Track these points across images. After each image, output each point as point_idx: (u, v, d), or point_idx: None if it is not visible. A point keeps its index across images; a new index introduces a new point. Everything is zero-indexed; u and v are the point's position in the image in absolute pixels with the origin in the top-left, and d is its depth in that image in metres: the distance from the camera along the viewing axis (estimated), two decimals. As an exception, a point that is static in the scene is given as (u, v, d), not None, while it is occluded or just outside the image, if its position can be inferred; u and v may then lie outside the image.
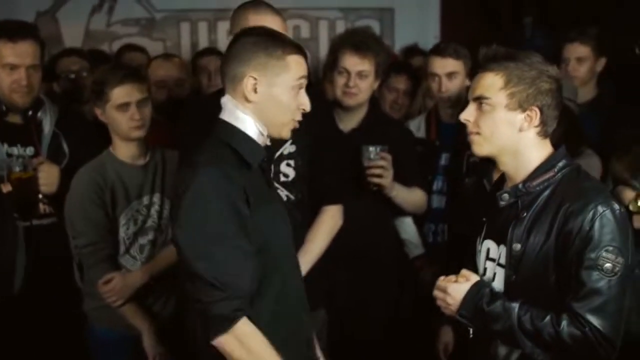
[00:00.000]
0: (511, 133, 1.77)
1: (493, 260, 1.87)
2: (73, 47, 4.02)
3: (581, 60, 3.19)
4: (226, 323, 1.67)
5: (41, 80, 2.67)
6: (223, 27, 4.56)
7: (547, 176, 1.78)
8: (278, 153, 2.37)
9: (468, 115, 1.82)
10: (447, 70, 2.85)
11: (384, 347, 2.82)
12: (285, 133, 1.87)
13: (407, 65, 3.75)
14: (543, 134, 1.79)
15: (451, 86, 2.86)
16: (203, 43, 4.66)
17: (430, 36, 4.84)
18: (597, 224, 1.68)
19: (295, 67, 1.79)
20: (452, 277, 1.85)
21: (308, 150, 2.40)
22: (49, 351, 2.59)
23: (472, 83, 1.84)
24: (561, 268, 1.73)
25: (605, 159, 2.71)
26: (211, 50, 3.91)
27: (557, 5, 4.73)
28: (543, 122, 1.77)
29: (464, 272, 1.86)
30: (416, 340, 2.88)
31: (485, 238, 1.92)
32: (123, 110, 2.43)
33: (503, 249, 1.83)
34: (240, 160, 1.77)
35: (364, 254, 2.75)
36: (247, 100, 1.78)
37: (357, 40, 2.75)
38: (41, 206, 2.61)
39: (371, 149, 2.62)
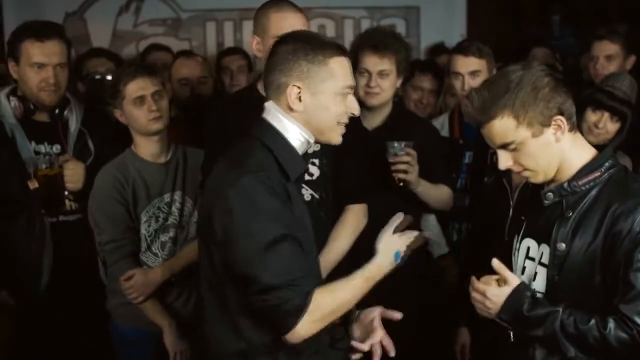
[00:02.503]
0: (552, 151, 1.75)
1: (532, 259, 1.85)
2: (101, 48, 4.06)
3: (610, 58, 3.14)
4: (299, 313, 1.62)
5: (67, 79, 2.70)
6: (248, 27, 4.48)
7: (593, 176, 1.75)
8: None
9: (505, 163, 1.78)
10: (471, 69, 2.83)
11: (407, 345, 2.80)
12: (335, 138, 1.82)
13: (432, 64, 3.72)
14: (573, 128, 1.76)
15: (474, 84, 2.81)
16: (229, 42, 4.68)
17: (456, 34, 4.79)
18: None
19: (340, 72, 1.75)
20: (491, 279, 1.80)
21: (332, 149, 2.39)
22: (74, 348, 2.62)
23: (487, 136, 1.78)
24: (608, 269, 1.70)
25: (635, 160, 2.66)
26: (234, 50, 3.94)
27: (585, 3, 4.66)
28: (569, 119, 1.75)
29: (504, 272, 1.79)
30: (437, 340, 2.85)
31: (524, 237, 1.89)
32: (139, 104, 2.46)
33: (545, 248, 1.80)
34: (281, 170, 1.73)
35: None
36: (291, 109, 1.74)
37: (375, 39, 2.74)
38: (67, 203, 2.65)
39: (396, 144, 2.60)
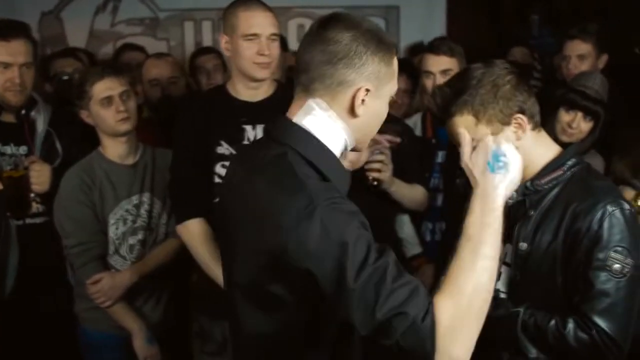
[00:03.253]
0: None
1: None
2: (70, 48, 4.03)
3: (582, 57, 3.14)
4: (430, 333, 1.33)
5: (34, 79, 2.66)
6: (227, 26, 4.55)
7: (555, 174, 1.74)
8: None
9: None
10: (442, 68, 2.81)
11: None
12: (367, 146, 1.65)
13: (407, 64, 3.69)
14: (535, 126, 1.75)
15: None
16: (207, 42, 4.66)
17: (436, 34, 4.74)
18: (606, 224, 1.64)
19: (396, 73, 1.54)
20: None
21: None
22: (41, 352, 2.57)
23: (448, 132, 1.77)
24: (568, 268, 1.69)
25: (607, 159, 2.66)
26: (208, 49, 3.91)
27: (564, 3, 4.68)
28: (530, 117, 1.73)
29: None
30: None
31: None
32: (107, 105, 2.42)
33: (509, 248, 1.79)
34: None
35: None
36: (352, 113, 1.45)
37: None
38: (34, 205, 2.60)
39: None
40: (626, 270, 1.64)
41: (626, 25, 3.58)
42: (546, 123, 2.70)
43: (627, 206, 1.68)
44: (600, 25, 3.18)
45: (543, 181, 1.75)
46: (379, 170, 2.58)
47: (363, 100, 1.44)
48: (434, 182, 2.89)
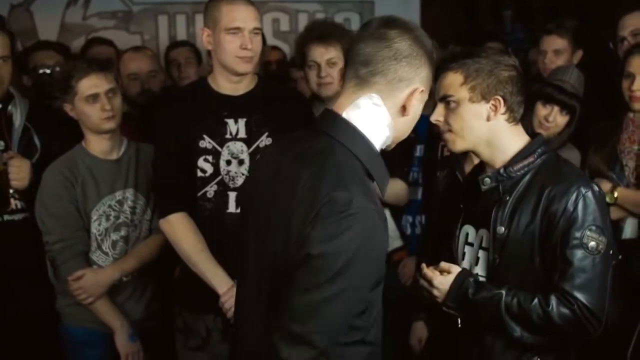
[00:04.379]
0: (479, 124, 1.83)
1: (471, 244, 1.91)
2: (49, 41, 3.93)
3: (558, 52, 3.19)
4: None
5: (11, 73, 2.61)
6: (201, 20, 4.47)
7: (527, 161, 1.83)
8: (254, 146, 2.34)
9: (437, 116, 1.86)
10: None
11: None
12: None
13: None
14: (512, 120, 1.85)
15: None
16: (181, 36, 4.62)
17: (410, 29, 4.83)
18: (580, 205, 1.74)
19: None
20: (436, 271, 1.87)
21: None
22: (22, 350, 2.54)
23: (436, 85, 1.83)
24: (546, 249, 1.77)
25: (583, 152, 2.72)
26: (182, 43, 3.90)
27: (536, -1, 4.75)
28: (509, 109, 1.83)
29: (444, 264, 1.87)
30: (392, 333, 2.86)
31: (463, 224, 1.95)
32: (92, 102, 2.39)
33: (484, 232, 1.86)
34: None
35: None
36: (403, 112, 1.51)
37: (318, 31, 2.77)
38: (12, 201, 2.55)
39: None
40: (600, 247, 1.74)
41: (598, 21, 3.65)
42: (524, 117, 2.77)
43: (597, 188, 1.79)
44: (577, 21, 3.23)
45: (516, 167, 1.83)
46: None
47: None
48: (414, 175, 2.92)
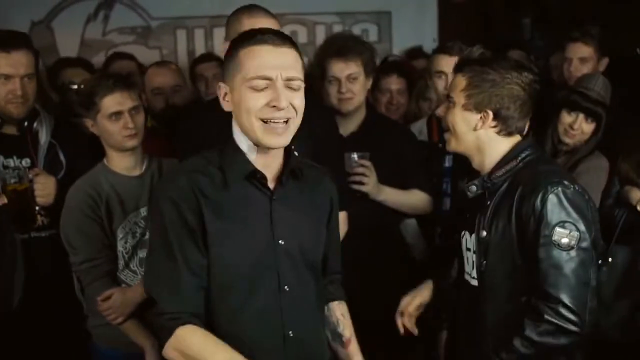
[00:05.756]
0: (467, 130, 1.91)
1: (470, 250, 1.96)
2: (77, 58, 4.00)
3: (584, 60, 3.17)
4: (166, 333, 1.65)
5: (36, 89, 2.62)
6: (219, 34, 4.53)
7: (509, 166, 1.88)
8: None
9: (440, 110, 2.01)
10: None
11: (388, 351, 2.77)
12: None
13: (394, 64, 3.72)
14: (505, 133, 1.90)
15: None
16: (200, 50, 4.64)
17: (428, 39, 4.83)
18: (548, 203, 1.76)
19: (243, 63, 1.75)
20: None
21: (310, 157, 2.36)
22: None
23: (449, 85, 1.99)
24: (523, 249, 1.80)
25: (612, 160, 2.68)
26: (209, 57, 3.87)
27: (555, 6, 4.71)
28: (502, 123, 1.87)
29: None
30: (419, 344, 2.83)
31: (465, 231, 2.01)
32: (115, 120, 2.37)
33: (474, 237, 1.93)
34: None
35: (370, 260, 2.70)
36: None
37: (338, 45, 2.76)
38: (39, 218, 2.56)
39: (352, 156, 2.62)
40: (572, 242, 1.75)
41: (619, 28, 3.62)
42: (549, 124, 2.75)
43: (570, 184, 1.80)
44: (601, 28, 3.21)
45: (499, 173, 1.88)
46: (361, 183, 2.60)
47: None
48: (444, 186, 2.88)
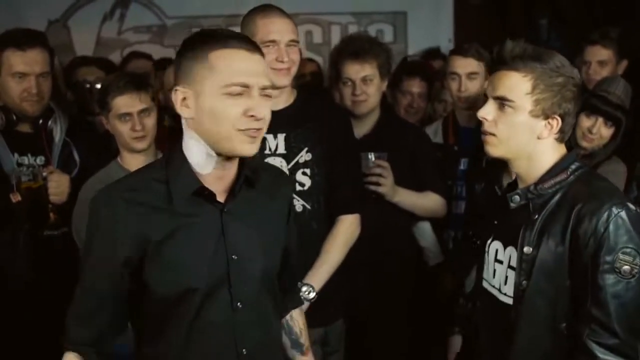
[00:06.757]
0: (529, 139, 1.72)
1: (501, 262, 1.81)
2: (92, 56, 4.01)
3: (603, 63, 3.12)
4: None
5: (51, 88, 2.63)
6: (235, 33, 4.53)
7: (559, 178, 1.72)
8: (294, 161, 2.32)
9: (487, 113, 1.73)
10: (468, 70, 2.81)
11: (402, 355, 2.76)
12: None
13: (419, 67, 3.67)
14: (560, 139, 1.75)
15: (471, 86, 2.81)
16: (215, 49, 4.62)
17: (444, 39, 4.79)
18: (612, 226, 1.62)
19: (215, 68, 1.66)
20: None
21: (324, 159, 2.34)
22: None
23: (493, 80, 1.73)
24: (576, 272, 1.66)
25: (630, 165, 2.64)
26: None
27: (572, 7, 4.66)
28: (562, 130, 1.72)
29: None
30: (433, 347, 2.81)
31: (493, 240, 1.86)
32: (124, 121, 2.37)
33: (512, 251, 1.76)
34: None
35: (383, 262, 2.69)
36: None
37: (354, 47, 2.72)
38: (52, 216, 2.56)
39: (369, 156, 2.59)
40: (635, 271, 1.61)
41: (636, 29, 3.57)
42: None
43: (632, 207, 1.67)
44: (621, 30, 3.16)
45: (547, 185, 1.72)
46: (377, 184, 2.58)
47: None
48: (458, 190, 2.85)
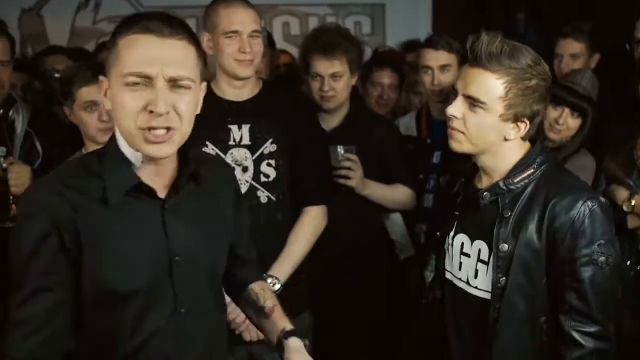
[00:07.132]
0: (497, 139, 1.73)
1: (468, 255, 1.81)
2: (60, 46, 3.95)
3: (575, 56, 3.11)
4: None
5: (11, 77, 2.59)
6: (211, 24, 4.49)
7: (527, 173, 1.74)
8: (259, 153, 2.29)
9: (457, 111, 1.72)
10: (441, 63, 2.78)
11: (370, 348, 2.75)
12: None
13: (390, 58, 3.65)
14: (526, 138, 1.77)
15: (444, 79, 2.79)
16: (191, 40, 4.58)
17: (422, 32, 4.76)
18: (587, 220, 1.66)
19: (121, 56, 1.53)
20: None
21: (289, 150, 2.32)
22: None
23: (467, 77, 1.70)
24: (554, 266, 1.70)
25: (598, 158, 2.63)
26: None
27: (549, 1, 4.67)
28: (530, 129, 1.74)
29: None
30: (401, 341, 2.80)
31: (457, 232, 1.85)
32: (90, 111, 2.31)
33: (482, 245, 1.77)
34: None
35: (352, 255, 2.68)
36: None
37: (323, 42, 2.65)
38: (13, 208, 2.51)
39: (338, 149, 2.56)
40: (610, 260, 1.67)
41: (611, 24, 3.57)
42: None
43: (603, 199, 1.75)
44: (593, 24, 3.16)
45: (516, 180, 1.74)
46: (346, 177, 2.56)
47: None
48: (431, 183, 2.83)
